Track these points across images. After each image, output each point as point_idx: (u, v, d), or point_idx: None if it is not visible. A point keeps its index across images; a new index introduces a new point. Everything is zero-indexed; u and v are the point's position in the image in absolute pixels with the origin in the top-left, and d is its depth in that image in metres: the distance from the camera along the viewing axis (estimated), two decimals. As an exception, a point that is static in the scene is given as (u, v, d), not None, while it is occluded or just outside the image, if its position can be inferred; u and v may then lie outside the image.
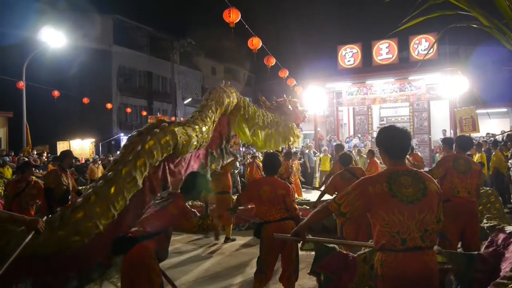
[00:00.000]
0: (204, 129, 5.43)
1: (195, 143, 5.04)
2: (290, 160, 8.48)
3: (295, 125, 9.12)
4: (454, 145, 5.06)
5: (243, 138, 7.49)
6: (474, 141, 14.29)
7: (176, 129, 4.65)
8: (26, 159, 12.30)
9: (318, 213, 2.67)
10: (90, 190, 3.85)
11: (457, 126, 14.10)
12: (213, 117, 5.94)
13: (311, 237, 3.11)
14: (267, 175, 4.26)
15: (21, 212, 5.67)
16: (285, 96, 8.63)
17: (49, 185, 6.21)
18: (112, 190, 3.82)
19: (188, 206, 3.58)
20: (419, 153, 11.25)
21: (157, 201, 3.59)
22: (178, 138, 4.64)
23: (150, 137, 4.47)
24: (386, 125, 2.68)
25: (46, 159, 15.78)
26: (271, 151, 6.52)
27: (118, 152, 4.63)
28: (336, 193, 5.81)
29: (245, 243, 7.18)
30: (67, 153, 6.87)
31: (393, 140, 2.48)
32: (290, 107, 8.59)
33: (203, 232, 4.54)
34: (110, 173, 3.98)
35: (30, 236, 2.99)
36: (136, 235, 3.27)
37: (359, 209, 2.40)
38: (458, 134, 12.90)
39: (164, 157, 4.55)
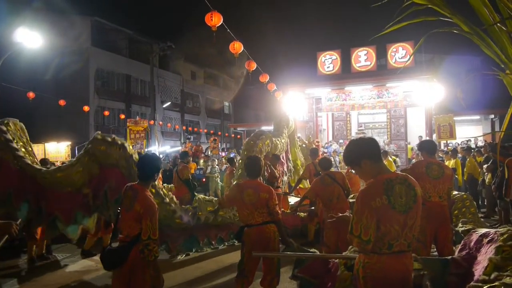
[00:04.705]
0: (283, 141, 9.22)
1: (279, 147, 8.87)
2: (278, 165, 8.46)
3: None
4: (421, 151, 5.02)
5: (292, 155, 10.56)
6: (449, 147, 14.70)
7: (270, 135, 8.55)
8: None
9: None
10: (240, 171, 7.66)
11: (435, 132, 14.42)
12: (286, 133, 9.69)
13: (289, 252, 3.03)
14: (250, 178, 4.22)
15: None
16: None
17: (188, 178, 8.82)
18: None
19: (151, 198, 3.32)
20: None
21: (123, 199, 3.37)
22: (273, 140, 8.50)
23: (259, 141, 7.96)
24: (355, 138, 2.64)
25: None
26: (254, 155, 6.71)
27: (241, 153, 8.62)
28: (317, 197, 5.85)
29: (225, 247, 7.12)
30: (187, 153, 10.01)
31: (374, 146, 2.47)
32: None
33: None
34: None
35: (4, 240, 3.01)
36: (126, 241, 3.25)
37: (375, 225, 2.30)
38: (435, 140, 13.22)
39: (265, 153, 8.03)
